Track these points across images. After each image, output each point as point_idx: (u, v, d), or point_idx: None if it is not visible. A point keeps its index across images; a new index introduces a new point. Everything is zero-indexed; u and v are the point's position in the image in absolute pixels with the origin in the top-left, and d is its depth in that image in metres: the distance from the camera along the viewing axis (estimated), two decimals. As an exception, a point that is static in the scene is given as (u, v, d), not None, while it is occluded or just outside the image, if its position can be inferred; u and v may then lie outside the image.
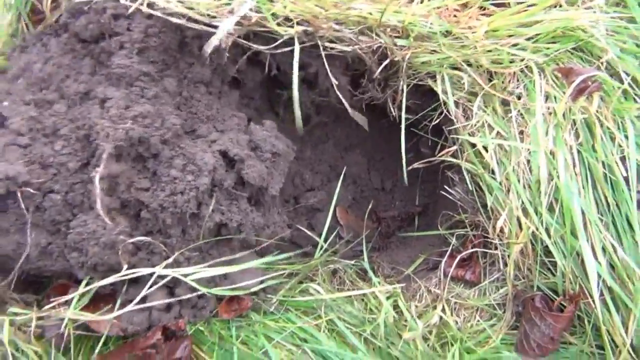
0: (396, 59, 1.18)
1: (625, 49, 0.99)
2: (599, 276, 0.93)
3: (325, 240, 1.36)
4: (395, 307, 1.15)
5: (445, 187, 1.16)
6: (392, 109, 1.25)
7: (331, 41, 1.15)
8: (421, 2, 1.19)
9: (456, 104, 1.12)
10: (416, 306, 1.18)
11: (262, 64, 1.22)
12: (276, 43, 1.06)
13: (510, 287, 1.06)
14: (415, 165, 1.23)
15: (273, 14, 1.05)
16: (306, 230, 1.31)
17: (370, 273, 1.17)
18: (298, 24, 1.07)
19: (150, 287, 1.00)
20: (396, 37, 1.18)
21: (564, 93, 0.95)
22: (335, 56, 1.18)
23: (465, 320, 1.11)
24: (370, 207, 1.50)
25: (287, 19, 1.07)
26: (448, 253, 1.16)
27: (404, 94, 1.17)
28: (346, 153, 1.60)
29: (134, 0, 1.01)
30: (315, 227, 1.43)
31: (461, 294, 1.13)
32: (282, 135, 1.21)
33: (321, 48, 1.12)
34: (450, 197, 1.15)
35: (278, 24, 1.05)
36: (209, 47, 0.99)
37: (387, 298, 1.17)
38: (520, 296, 1.06)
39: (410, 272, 1.27)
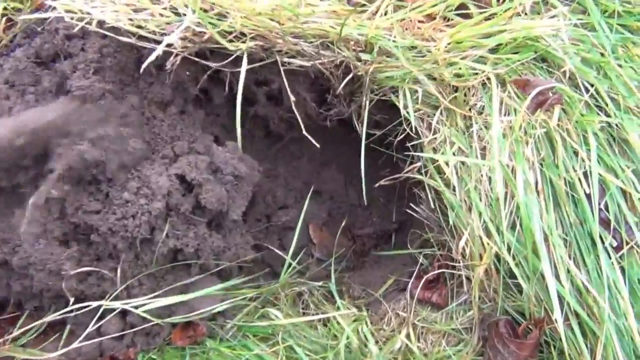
0: (359, 73, 1.14)
1: (588, 58, 0.94)
2: (563, 300, 0.88)
3: (297, 261, 1.34)
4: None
5: (411, 204, 1.11)
6: (356, 124, 1.21)
7: (292, 56, 1.12)
8: (385, 15, 1.16)
9: (420, 119, 1.08)
10: (383, 330, 1.13)
11: (224, 81, 1.19)
12: (229, 59, 1.03)
13: (476, 310, 1.01)
14: (383, 182, 1.19)
15: (225, 30, 1.02)
16: (276, 250, 1.27)
17: (336, 296, 1.13)
18: (252, 39, 1.04)
19: (99, 320, 0.97)
20: (360, 51, 1.14)
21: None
22: (298, 72, 1.15)
23: (432, 345, 1.06)
24: (345, 224, 1.46)
25: (243, 34, 1.04)
26: (415, 274, 1.12)
27: (366, 110, 1.13)
28: (322, 169, 1.56)
29: (82, 19, 0.98)
30: (287, 246, 1.39)
31: (428, 317, 1.09)
32: (247, 155, 1.18)
33: (279, 63, 1.09)
34: (416, 215, 1.10)
35: (231, 40, 1.02)
36: (146, 63, 0.96)
37: (354, 321, 1.13)
38: (486, 320, 1.00)
39: (380, 294, 1.22)
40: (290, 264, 1.14)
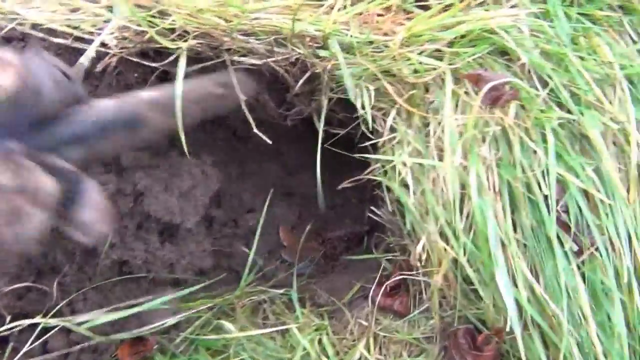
0: (317, 71, 1.09)
1: (548, 51, 0.88)
2: (523, 308, 0.82)
3: (262, 266, 1.29)
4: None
5: (373, 207, 1.06)
6: (317, 124, 1.16)
7: (244, 54, 1.07)
8: (344, 8, 1.10)
9: (378, 118, 1.02)
10: (346, 339, 1.08)
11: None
12: (170, 59, 0.97)
13: (437, 319, 0.95)
14: (345, 184, 1.13)
15: (167, 29, 0.96)
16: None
17: (296, 304, 1.08)
18: (197, 37, 0.98)
19: (43, 336, 0.93)
20: (317, 47, 1.09)
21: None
22: (253, 70, 1.10)
23: (393, 356, 1.00)
24: (316, 227, 1.40)
25: (187, 32, 0.99)
26: (377, 280, 1.07)
27: (324, 109, 1.08)
28: (293, 170, 1.51)
29: (13, 20, 0.93)
30: (255, 251, 1.34)
31: (390, 326, 1.03)
32: (205, 162, 1.13)
33: (228, 62, 1.04)
34: (376, 218, 1.05)
35: (173, 39, 0.97)
36: (78, 65, 0.92)
37: (315, 330, 1.08)
38: (447, 329, 0.95)
39: (346, 301, 1.17)
40: (251, 270, 1.09)
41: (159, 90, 0.84)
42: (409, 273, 0.97)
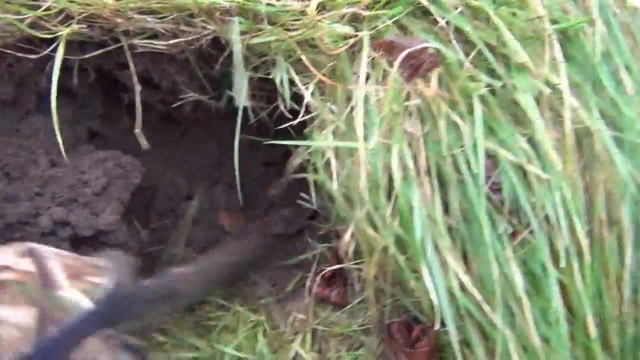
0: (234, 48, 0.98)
1: (475, 7, 0.78)
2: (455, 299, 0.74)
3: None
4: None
5: (302, 194, 0.97)
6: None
7: (149, 37, 0.96)
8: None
9: (299, 95, 0.92)
10: (286, 334, 1.01)
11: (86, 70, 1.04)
12: (51, 47, 0.87)
13: (372, 311, 0.88)
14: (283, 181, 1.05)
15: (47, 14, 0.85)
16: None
17: (221, 301, 1.00)
18: (83, 20, 0.87)
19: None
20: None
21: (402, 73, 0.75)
22: (164, 53, 0.99)
23: (335, 351, 0.93)
24: (257, 212, 1.32)
25: (69, 16, 0.88)
26: (313, 270, 0.99)
27: (244, 89, 0.98)
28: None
29: None
30: (195, 241, 1.25)
31: (328, 318, 0.96)
32: (124, 154, 1.03)
33: (125, 46, 0.93)
34: (306, 204, 0.96)
35: (55, 25, 0.86)
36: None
37: (253, 327, 1.01)
38: (386, 321, 0.88)
39: (288, 290, 1.10)
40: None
41: (188, 266, 0.98)
42: (342, 264, 0.89)
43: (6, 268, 0.62)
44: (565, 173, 0.71)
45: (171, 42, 0.96)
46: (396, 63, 0.70)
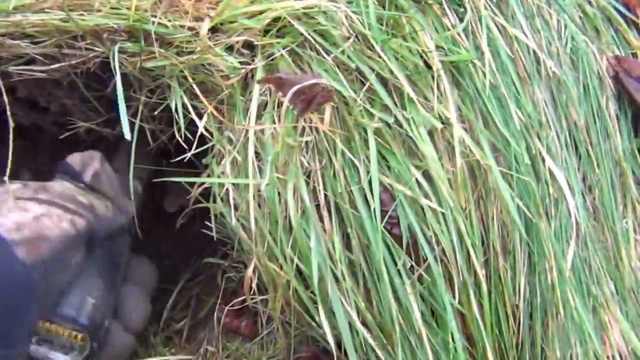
0: (127, 70, 0.92)
1: (363, 37, 0.76)
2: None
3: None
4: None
5: (206, 222, 0.93)
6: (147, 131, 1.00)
7: (28, 61, 0.89)
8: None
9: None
10: (196, 367, 0.98)
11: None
12: None
13: (282, 343, 0.86)
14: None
15: None
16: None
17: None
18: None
19: None
20: (124, 40, 0.92)
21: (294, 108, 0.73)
22: (47, 78, 0.92)
23: (246, 384, 0.91)
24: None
25: None
26: (220, 298, 0.96)
27: (139, 114, 0.92)
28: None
29: None
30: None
31: (238, 350, 0.93)
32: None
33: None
34: (211, 233, 0.92)
35: None
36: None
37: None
38: (296, 353, 0.86)
39: (201, 316, 1.07)
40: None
41: None
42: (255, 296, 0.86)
43: None
44: (459, 206, 0.71)
45: (52, 67, 0.89)
46: (286, 99, 0.68)
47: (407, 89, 0.70)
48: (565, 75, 0.86)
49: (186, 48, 0.90)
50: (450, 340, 0.72)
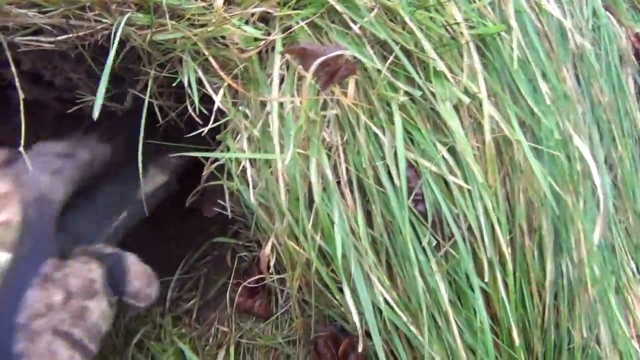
0: (136, 44, 0.89)
1: (391, 9, 0.74)
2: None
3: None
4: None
5: (220, 201, 0.91)
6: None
7: (35, 32, 0.86)
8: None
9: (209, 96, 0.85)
10: (209, 346, 0.96)
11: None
12: None
13: (298, 322, 0.85)
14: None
15: None
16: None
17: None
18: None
19: None
20: (134, 12, 0.88)
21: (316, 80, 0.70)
22: (54, 50, 0.89)
23: (259, 363, 0.90)
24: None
25: None
26: (233, 278, 0.94)
27: (149, 89, 0.89)
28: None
29: None
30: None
31: (252, 330, 0.92)
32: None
33: (5, 45, 0.82)
34: (225, 212, 0.90)
35: None
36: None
37: (180, 337, 0.96)
38: (312, 332, 0.85)
39: (210, 296, 1.05)
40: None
41: None
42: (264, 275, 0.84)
43: None
44: (486, 183, 0.70)
45: (59, 38, 0.86)
46: (310, 72, 0.65)
47: (435, 61, 0.68)
48: (589, 50, 0.84)
49: (198, 21, 0.87)
50: (477, 320, 0.71)
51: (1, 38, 0.81)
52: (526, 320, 0.75)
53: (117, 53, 0.92)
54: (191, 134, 0.84)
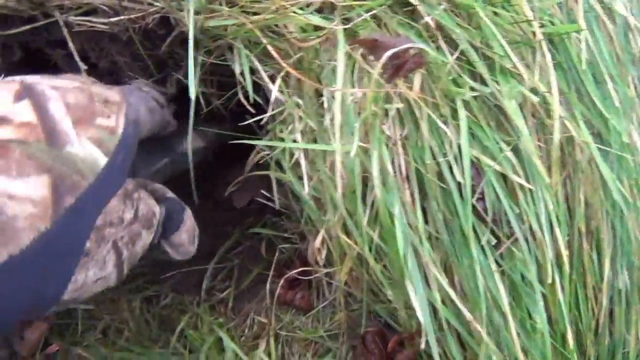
0: (185, 29, 0.88)
1: (457, 3, 0.73)
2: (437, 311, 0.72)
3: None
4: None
5: (262, 192, 0.90)
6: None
7: (86, 12, 0.85)
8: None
9: (262, 87, 0.85)
10: (245, 337, 0.95)
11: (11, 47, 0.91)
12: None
13: (342, 315, 0.84)
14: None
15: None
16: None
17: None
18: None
19: None
20: (184, -2, 0.87)
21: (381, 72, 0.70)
22: (105, 31, 0.88)
23: (298, 357, 0.89)
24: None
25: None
26: (273, 269, 0.93)
27: (195, 76, 0.88)
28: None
29: None
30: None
31: (292, 322, 0.91)
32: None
33: (61, 22, 0.81)
34: (268, 203, 0.90)
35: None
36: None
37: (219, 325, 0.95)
38: (356, 327, 0.84)
39: (244, 287, 1.04)
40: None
41: None
42: (312, 268, 0.84)
43: (3, 121, 0.49)
44: (549, 184, 0.69)
45: (112, 19, 0.85)
46: (379, 63, 0.64)
47: (507, 59, 0.67)
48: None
49: (251, 8, 0.85)
50: (534, 322, 0.70)
51: (58, 16, 0.80)
52: (580, 323, 0.75)
53: (164, 37, 0.92)
54: (245, 122, 0.83)
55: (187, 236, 0.73)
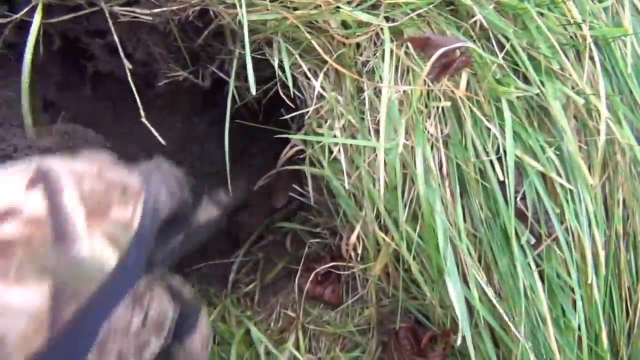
0: (224, 22, 0.89)
1: (504, 4, 0.74)
2: (473, 308, 0.72)
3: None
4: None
5: (295, 186, 0.91)
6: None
7: (128, 3, 0.85)
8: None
9: (300, 82, 0.85)
10: (271, 330, 0.96)
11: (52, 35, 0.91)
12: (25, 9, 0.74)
13: (373, 311, 0.85)
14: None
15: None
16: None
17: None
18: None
19: None
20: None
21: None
22: (145, 22, 0.88)
23: (327, 351, 0.90)
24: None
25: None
26: (302, 264, 0.94)
27: (234, 69, 0.89)
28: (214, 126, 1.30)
29: None
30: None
31: (320, 317, 0.92)
32: (81, 128, 0.92)
33: (107, 12, 0.82)
34: (300, 198, 0.90)
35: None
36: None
37: (246, 318, 0.95)
38: (385, 323, 0.85)
39: (269, 280, 1.04)
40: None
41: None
42: (342, 263, 0.84)
43: (12, 213, 0.46)
44: (590, 185, 0.70)
45: (155, 10, 0.85)
46: (430, 61, 0.65)
47: (555, 60, 0.68)
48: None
49: (291, 3, 0.86)
50: (569, 320, 0.71)
51: (103, 6, 0.80)
52: (614, 323, 0.75)
53: (202, 30, 0.92)
54: (284, 117, 0.84)
55: (200, 342, 0.68)
